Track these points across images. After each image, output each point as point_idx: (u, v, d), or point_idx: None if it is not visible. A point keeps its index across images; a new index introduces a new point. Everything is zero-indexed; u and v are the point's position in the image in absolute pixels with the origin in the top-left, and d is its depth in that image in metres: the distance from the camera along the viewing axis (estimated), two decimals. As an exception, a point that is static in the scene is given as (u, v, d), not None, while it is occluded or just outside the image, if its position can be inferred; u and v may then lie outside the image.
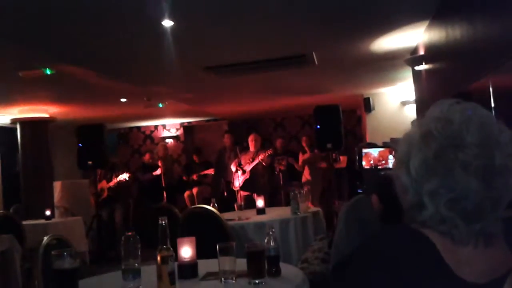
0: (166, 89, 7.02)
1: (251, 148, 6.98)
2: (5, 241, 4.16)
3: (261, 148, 7.12)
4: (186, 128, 11.63)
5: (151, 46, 4.64)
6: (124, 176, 7.38)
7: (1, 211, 6.09)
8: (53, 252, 1.76)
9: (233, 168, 7.04)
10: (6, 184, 8.57)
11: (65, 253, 1.73)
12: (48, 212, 6.32)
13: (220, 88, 7.10)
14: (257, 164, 6.90)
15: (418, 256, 0.91)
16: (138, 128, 11.74)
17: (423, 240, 0.92)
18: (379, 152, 1.73)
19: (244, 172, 6.92)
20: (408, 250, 0.92)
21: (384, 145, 1.69)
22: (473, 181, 0.88)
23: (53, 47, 4.56)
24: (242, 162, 6.97)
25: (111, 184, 7.43)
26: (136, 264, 1.89)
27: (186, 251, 2.06)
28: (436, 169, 0.91)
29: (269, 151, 7.02)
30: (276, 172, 7.67)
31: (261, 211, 4.54)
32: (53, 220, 6.44)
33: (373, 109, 8.43)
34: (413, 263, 0.90)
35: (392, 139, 1.71)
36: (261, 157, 6.86)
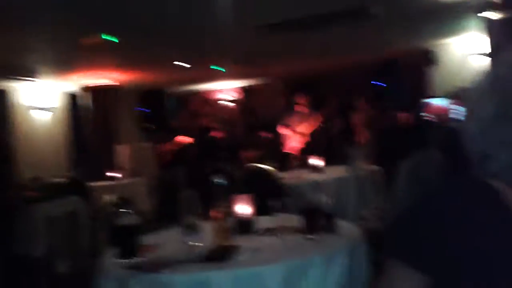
0: (222, 51, 7.01)
1: (302, 109, 6.85)
2: (73, 202, 4.43)
3: (312, 108, 6.98)
4: (245, 90, 11.65)
5: (206, 7, 4.62)
6: (186, 139, 7.59)
7: (70, 174, 6.47)
8: (115, 210, 1.84)
9: (285, 131, 6.96)
10: (75, 148, 9.05)
11: (126, 211, 1.81)
12: (114, 174, 6.63)
13: (277, 48, 6.98)
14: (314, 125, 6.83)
15: (485, 209, 0.85)
16: (197, 92, 11.90)
17: (492, 192, 0.86)
18: (443, 102, 1.61)
19: (301, 133, 6.85)
20: (474, 203, 0.86)
21: (450, 95, 1.57)
22: None
23: (112, 15, 4.64)
24: (291, 124, 6.89)
25: (173, 147, 7.66)
26: (195, 221, 1.95)
27: (243, 208, 2.10)
28: (509, 117, 0.83)
29: (321, 120, 6.88)
30: (332, 132, 7.57)
31: (318, 170, 4.51)
32: (118, 181, 6.75)
33: (438, 62, 8.00)
34: (481, 217, 0.84)
35: (460, 88, 1.61)
36: (315, 125, 6.77)
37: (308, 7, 5.06)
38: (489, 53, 5.66)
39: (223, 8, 4.53)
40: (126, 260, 1.79)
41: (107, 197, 2.29)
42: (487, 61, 6.31)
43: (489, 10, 4.82)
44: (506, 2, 4.33)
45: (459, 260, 0.83)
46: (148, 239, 2.18)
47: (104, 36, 5.09)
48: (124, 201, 2.55)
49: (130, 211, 1.84)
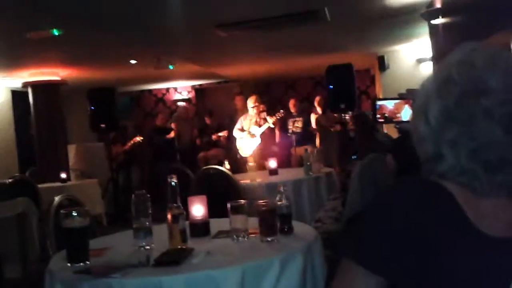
0: (176, 49, 6.91)
1: (252, 110, 6.86)
2: (21, 204, 4.23)
3: (263, 110, 7.01)
4: (198, 90, 11.56)
5: (160, 3, 4.52)
6: (138, 139, 7.43)
7: (17, 175, 6.18)
8: (62, 211, 1.75)
9: (238, 135, 6.96)
10: (21, 148, 8.66)
11: (73, 212, 1.73)
12: (63, 175, 6.40)
13: (231, 47, 6.97)
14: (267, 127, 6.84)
15: (436, 207, 0.86)
16: (150, 91, 11.70)
17: (442, 191, 0.87)
18: (395, 104, 1.66)
19: (253, 135, 6.85)
20: (425, 202, 0.87)
21: (400, 96, 1.62)
22: (496, 129, 0.82)
23: (60, 8, 4.47)
24: (245, 127, 6.89)
25: (126, 147, 7.48)
26: (147, 223, 1.89)
27: (198, 210, 2.05)
28: (457, 117, 0.84)
29: (280, 114, 6.92)
30: (288, 134, 7.62)
31: (273, 172, 4.52)
32: (69, 183, 6.52)
33: (388, 67, 8.24)
34: (431, 215, 0.85)
35: (409, 90, 1.65)
36: (272, 120, 6.79)
37: (263, 9, 5.08)
38: (432, 56, 5.87)
39: (176, 5, 4.47)
40: (76, 264, 1.71)
41: (56, 199, 2.19)
42: (431, 66, 6.54)
43: (434, 17, 5.00)
44: (448, 8, 4.49)
45: (412, 260, 0.83)
46: (99, 243, 2.10)
47: (52, 30, 4.90)
48: (74, 203, 2.44)
49: (79, 213, 1.75)
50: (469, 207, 0.85)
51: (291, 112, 7.90)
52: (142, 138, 7.57)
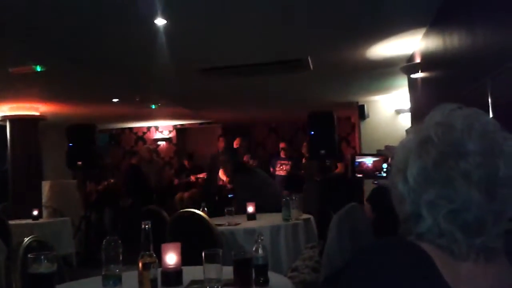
0: (159, 90, 6.94)
1: (238, 152, 6.93)
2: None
3: (248, 152, 7.06)
4: (179, 130, 11.54)
5: (144, 45, 4.57)
6: (112, 181, 7.36)
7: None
8: (29, 255, 1.68)
9: (223, 177, 6.98)
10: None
11: (42, 257, 1.65)
12: (35, 212, 6.21)
13: (214, 91, 7.04)
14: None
15: (414, 270, 0.84)
16: (130, 129, 11.63)
17: (420, 254, 0.85)
18: (373, 161, 1.67)
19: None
20: (403, 265, 0.85)
21: (379, 153, 1.63)
22: (474, 192, 0.81)
23: (44, 45, 4.48)
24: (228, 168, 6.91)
25: (100, 187, 7.35)
26: (117, 270, 1.82)
27: (171, 258, 1.98)
28: (435, 178, 0.84)
29: (246, 158, 6.94)
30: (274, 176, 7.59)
31: (251, 217, 4.46)
32: (40, 220, 6.33)
33: (368, 116, 8.39)
34: (409, 278, 0.83)
35: (387, 147, 1.67)
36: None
37: (247, 55, 5.17)
38: (410, 108, 5.99)
39: (161, 49, 4.51)
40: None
41: (26, 240, 2.10)
42: (409, 117, 6.68)
43: (414, 71, 5.15)
44: (427, 62, 4.64)
45: None
46: (66, 288, 2.01)
47: (34, 66, 4.88)
48: (43, 245, 2.34)
49: (47, 258, 1.67)
50: (448, 271, 0.84)
51: (279, 155, 7.92)
52: (114, 180, 7.49)
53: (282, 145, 8.10)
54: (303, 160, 7.93)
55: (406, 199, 0.88)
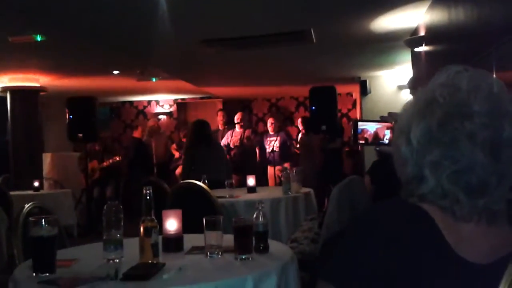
0: (159, 62, 6.88)
1: (238, 127, 6.92)
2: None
3: (249, 127, 7.06)
4: (180, 104, 11.50)
5: (144, 15, 4.51)
6: (117, 158, 7.36)
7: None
8: (30, 219, 1.68)
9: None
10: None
11: (42, 220, 1.66)
12: (36, 183, 6.24)
13: (215, 64, 6.98)
14: (246, 144, 6.85)
15: (416, 231, 0.84)
16: (131, 102, 11.59)
17: (422, 214, 0.85)
18: (376, 128, 1.65)
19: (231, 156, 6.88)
20: (405, 225, 0.85)
21: (382, 119, 1.61)
22: (479, 153, 0.81)
23: (45, 14, 4.42)
24: (231, 144, 6.91)
25: (104, 164, 7.35)
26: (118, 235, 1.83)
27: (172, 224, 1.99)
28: (439, 139, 0.83)
29: (248, 132, 6.93)
30: (269, 152, 7.61)
31: (252, 190, 4.47)
32: (41, 191, 6.37)
33: (370, 92, 8.34)
34: (410, 238, 0.83)
35: (390, 113, 1.65)
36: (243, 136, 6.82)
37: (250, 27, 5.11)
38: (410, 81, 5.93)
39: (163, 19, 4.45)
40: (41, 275, 1.64)
41: (26, 206, 2.12)
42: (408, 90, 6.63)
43: (418, 45, 5.09)
44: (432, 36, 4.59)
45: (390, 282, 0.81)
46: (67, 253, 2.02)
47: (34, 36, 4.83)
48: (43, 211, 2.35)
49: (48, 221, 1.68)
50: (449, 232, 0.83)
51: (268, 131, 7.91)
52: (120, 158, 7.48)
53: (270, 120, 8.06)
54: (300, 135, 7.92)
55: (409, 161, 0.87)
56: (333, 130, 6.22)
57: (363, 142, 1.83)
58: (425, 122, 0.86)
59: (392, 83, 8.31)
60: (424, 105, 0.88)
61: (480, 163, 0.81)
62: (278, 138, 7.65)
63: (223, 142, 7.04)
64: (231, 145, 6.97)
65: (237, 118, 6.98)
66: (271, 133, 7.83)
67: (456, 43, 3.74)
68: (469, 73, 0.89)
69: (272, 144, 7.56)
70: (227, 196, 4.12)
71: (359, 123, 1.85)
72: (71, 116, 6.60)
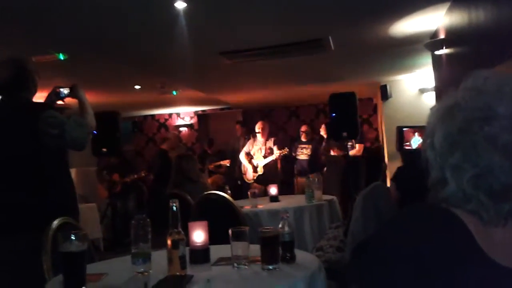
0: (180, 76, 6.96)
1: (260, 136, 6.89)
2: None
3: (270, 136, 7.01)
4: (200, 116, 11.60)
5: (164, 30, 4.57)
6: (143, 174, 7.46)
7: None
8: (59, 234, 1.71)
9: (243, 160, 6.97)
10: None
11: (72, 236, 1.69)
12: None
13: (234, 75, 7.02)
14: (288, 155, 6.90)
15: (448, 236, 0.83)
16: (153, 116, 11.74)
17: (453, 219, 0.84)
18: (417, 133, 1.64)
19: (255, 169, 6.87)
20: (437, 230, 0.84)
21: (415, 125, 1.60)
22: (498, 156, 0.80)
23: (67, 33, 4.52)
24: (251, 152, 6.90)
25: (127, 179, 7.43)
26: (146, 248, 1.84)
27: (198, 236, 2.00)
28: (460, 142, 0.83)
29: (285, 151, 6.85)
30: (297, 159, 7.52)
31: (274, 199, 4.47)
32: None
33: (390, 96, 8.26)
34: (443, 243, 0.82)
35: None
36: (275, 156, 6.78)
37: (267, 37, 5.13)
38: (435, 87, 5.87)
39: (181, 33, 4.51)
40: (71, 290, 1.66)
41: (55, 222, 2.16)
42: (434, 96, 6.55)
43: (438, 48, 5.03)
44: (452, 38, 4.54)
45: None
46: (96, 268, 2.05)
47: (57, 55, 4.94)
48: (72, 226, 2.39)
49: (78, 236, 1.71)
50: (481, 237, 0.82)
51: (299, 139, 7.82)
52: (145, 173, 7.58)
53: (303, 128, 7.97)
54: (323, 143, 7.82)
55: (433, 165, 0.88)
56: (354, 136, 6.17)
57: (409, 148, 1.82)
58: (446, 126, 0.86)
59: (413, 86, 8.22)
60: (446, 109, 0.88)
61: (499, 166, 0.80)
62: (311, 146, 7.56)
63: (245, 150, 7.05)
64: (253, 154, 6.97)
65: (258, 127, 6.98)
66: (303, 140, 7.72)
67: (477, 45, 3.69)
68: (494, 77, 0.88)
69: (304, 151, 7.51)
70: (250, 206, 4.13)
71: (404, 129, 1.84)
72: (95, 132, 6.69)
